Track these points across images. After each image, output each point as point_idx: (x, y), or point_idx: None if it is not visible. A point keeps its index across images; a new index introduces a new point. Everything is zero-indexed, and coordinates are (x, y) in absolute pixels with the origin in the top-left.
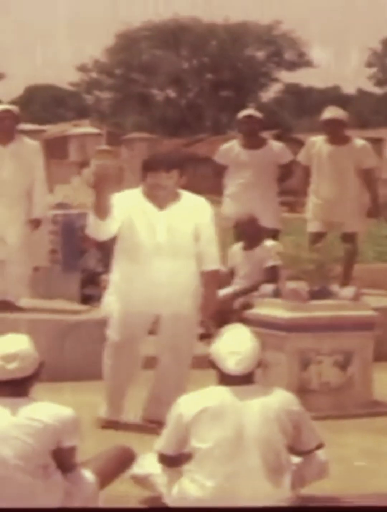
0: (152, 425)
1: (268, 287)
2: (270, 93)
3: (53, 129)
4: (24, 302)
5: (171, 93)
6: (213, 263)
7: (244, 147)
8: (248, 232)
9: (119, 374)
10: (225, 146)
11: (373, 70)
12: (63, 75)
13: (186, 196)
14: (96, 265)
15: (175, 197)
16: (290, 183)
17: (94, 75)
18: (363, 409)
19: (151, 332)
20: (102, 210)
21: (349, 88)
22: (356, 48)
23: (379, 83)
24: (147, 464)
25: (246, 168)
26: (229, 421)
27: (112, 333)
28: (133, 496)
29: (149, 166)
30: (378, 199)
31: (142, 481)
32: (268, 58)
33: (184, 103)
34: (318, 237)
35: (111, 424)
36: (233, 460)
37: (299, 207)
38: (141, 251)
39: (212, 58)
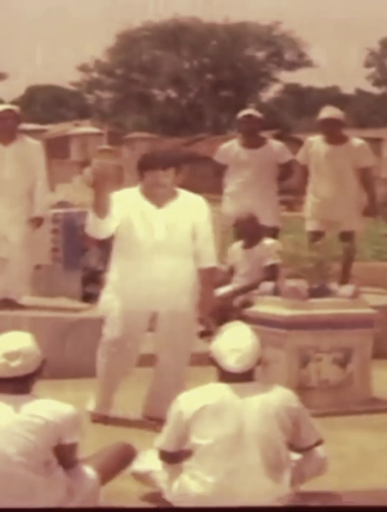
0: (152, 422)
1: (268, 285)
2: (269, 93)
3: (54, 129)
4: (26, 300)
5: (172, 93)
6: (210, 261)
7: (243, 147)
8: (248, 231)
9: (113, 372)
10: (225, 145)
11: (372, 70)
12: (65, 75)
13: (184, 195)
14: (97, 263)
15: (173, 195)
16: (289, 182)
17: (95, 75)
18: (362, 406)
19: (150, 329)
20: (101, 209)
21: (348, 88)
22: (355, 48)
23: (377, 83)
24: (148, 460)
25: (245, 167)
26: (229, 418)
27: (109, 331)
28: (134, 492)
29: (146, 165)
30: (375, 198)
31: (143, 477)
32: (267, 58)
33: (184, 103)
34: (316, 236)
35: (100, 418)
36: (233, 457)
37: (297, 205)
38: (140, 249)
39: (212, 58)
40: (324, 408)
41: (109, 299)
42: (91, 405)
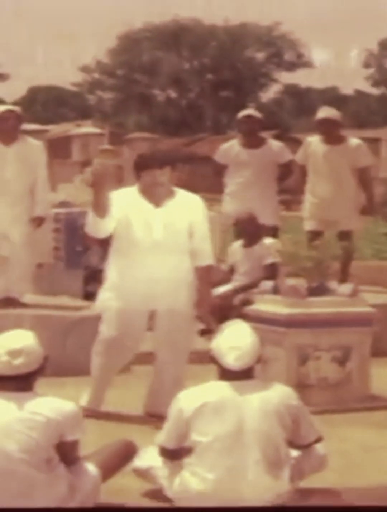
0: (152, 419)
1: (267, 284)
2: (269, 94)
3: (56, 129)
4: (28, 298)
5: (172, 93)
6: (207, 259)
7: (243, 147)
8: (248, 230)
9: (107, 369)
10: (225, 145)
11: (370, 71)
12: (66, 76)
13: (181, 194)
14: (99, 262)
15: (170, 194)
16: (287, 182)
17: (96, 75)
18: (361, 403)
19: (148, 328)
20: (101, 209)
21: (347, 89)
22: (354, 49)
23: (376, 83)
24: (149, 457)
25: (245, 167)
26: (229, 415)
27: (105, 329)
28: (135, 489)
29: (143, 165)
30: (373, 197)
31: (143, 474)
32: (267, 59)
33: (185, 103)
34: (314, 235)
35: (92, 413)
36: (233, 454)
37: (295, 205)
38: (138, 248)
39: (212, 59)
40: (323, 405)
41: (107, 298)
42: (84, 400)
